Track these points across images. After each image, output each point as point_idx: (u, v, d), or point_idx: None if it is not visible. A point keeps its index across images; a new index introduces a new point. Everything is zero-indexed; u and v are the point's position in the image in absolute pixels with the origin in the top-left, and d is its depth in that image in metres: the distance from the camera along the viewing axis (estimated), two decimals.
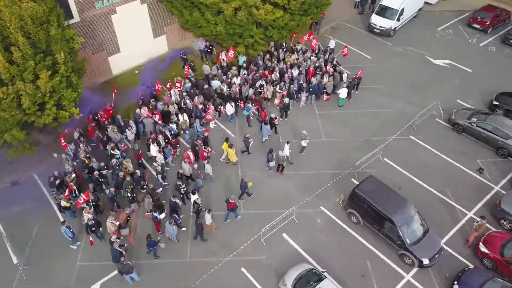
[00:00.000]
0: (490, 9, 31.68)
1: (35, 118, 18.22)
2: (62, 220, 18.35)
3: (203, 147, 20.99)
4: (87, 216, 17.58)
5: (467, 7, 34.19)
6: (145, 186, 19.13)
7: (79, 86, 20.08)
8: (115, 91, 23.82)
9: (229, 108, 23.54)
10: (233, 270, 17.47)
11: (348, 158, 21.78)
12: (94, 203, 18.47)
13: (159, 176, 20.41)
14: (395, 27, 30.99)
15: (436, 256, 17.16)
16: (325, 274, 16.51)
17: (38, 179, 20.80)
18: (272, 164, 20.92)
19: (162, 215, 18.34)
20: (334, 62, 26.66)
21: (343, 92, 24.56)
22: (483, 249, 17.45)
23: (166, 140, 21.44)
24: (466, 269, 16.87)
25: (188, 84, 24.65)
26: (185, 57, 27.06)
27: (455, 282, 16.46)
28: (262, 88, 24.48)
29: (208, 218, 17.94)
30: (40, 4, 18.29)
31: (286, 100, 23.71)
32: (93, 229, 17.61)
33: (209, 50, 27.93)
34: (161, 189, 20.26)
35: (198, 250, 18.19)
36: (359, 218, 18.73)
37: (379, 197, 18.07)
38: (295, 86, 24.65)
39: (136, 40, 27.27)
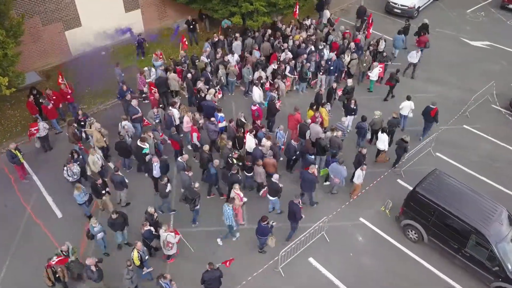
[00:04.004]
0: None
1: None
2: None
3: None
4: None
5: None
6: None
7: (7, 44, 13.96)
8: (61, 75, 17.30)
9: (257, 93, 17.43)
10: None
11: (389, 153, 15.90)
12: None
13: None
14: (419, 7, 25.95)
15: None
16: None
17: None
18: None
19: None
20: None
21: (374, 74, 19.01)
22: None
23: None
24: None
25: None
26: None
27: None
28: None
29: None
30: None
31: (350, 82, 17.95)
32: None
33: (191, 27, 22.17)
34: None
35: (185, 284, 11.78)
36: (422, 233, 12.70)
37: (454, 201, 12.13)
38: (311, 66, 19.09)
39: (102, 12, 21.25)
